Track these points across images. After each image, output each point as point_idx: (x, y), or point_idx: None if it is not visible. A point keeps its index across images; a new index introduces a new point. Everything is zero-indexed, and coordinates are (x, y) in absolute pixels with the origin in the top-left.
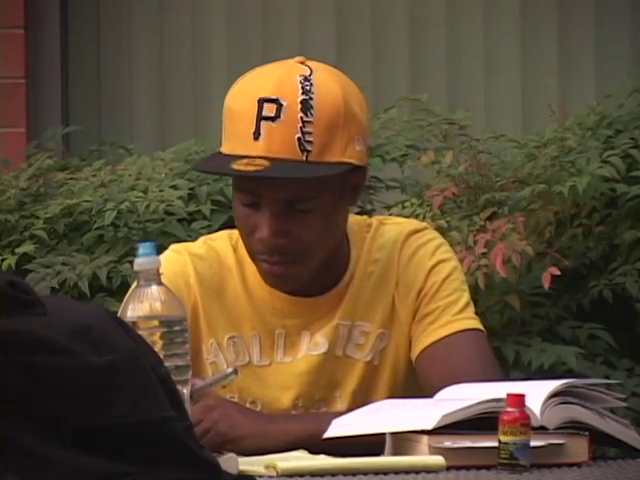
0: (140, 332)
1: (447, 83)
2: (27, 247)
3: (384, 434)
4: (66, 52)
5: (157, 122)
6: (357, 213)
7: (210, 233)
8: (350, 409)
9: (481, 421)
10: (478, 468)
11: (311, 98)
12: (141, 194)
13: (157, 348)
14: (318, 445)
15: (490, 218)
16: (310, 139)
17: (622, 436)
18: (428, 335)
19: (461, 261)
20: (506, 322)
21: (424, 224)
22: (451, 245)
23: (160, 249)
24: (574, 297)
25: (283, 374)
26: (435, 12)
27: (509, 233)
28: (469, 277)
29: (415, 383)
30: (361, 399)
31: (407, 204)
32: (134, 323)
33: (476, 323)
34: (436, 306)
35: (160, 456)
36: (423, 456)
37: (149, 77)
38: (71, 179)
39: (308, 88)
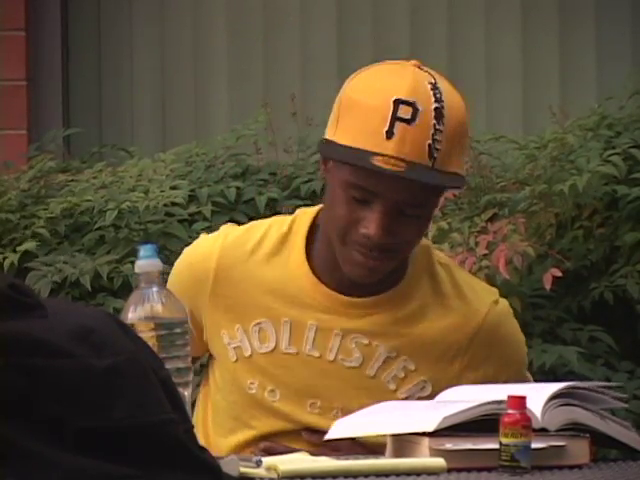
0: (141, 334)
1: None
2: (29, 245)
3: (385, 436)
4: (67, 54)
5: (158, 124)
6: None
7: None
8: None
9: (482, 423)
10: (479, 470)
11: (443, 107)
12: (142, 195)
13: (158, 350)
14: None
15: (491, 219)
16: (438, 147)
17: (623, 438)
18: None
19: (462, 262)
20: None
21: (492, 287)
22: (452, 246)
23: (161, 250)
24: (575, 299)
25: (310, 368)
26: (436, 14)
27: (510, 234)
28: None
29: None
30: None
31: None
32: (135, 325)
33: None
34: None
35: (161, 458)
36: (424, 458)
37: (150, 79)
38: (72, 181)
39: (439, 96)
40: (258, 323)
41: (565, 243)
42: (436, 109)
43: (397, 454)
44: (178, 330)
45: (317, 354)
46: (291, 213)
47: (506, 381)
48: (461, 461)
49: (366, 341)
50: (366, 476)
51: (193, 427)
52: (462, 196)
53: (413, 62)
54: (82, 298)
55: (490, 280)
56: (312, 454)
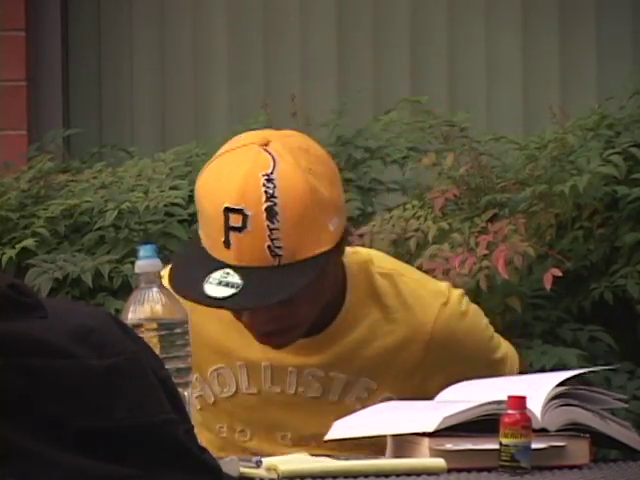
0: (141, 334)
1: (448, 85)
2: (28, 242)
3: (385, 436)
4: (67, 54)
5: (158, 124)
6: (358, 215)
7: None
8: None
9: (482, 423)
10: (479, 470)
11: (275, 204)
12: (142, 194)
13: (158, 350)
14: None
15: (491, 220)
16: (280, 244)
17: (623, 438)
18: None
19: (463, 262)
20: (507, 324)
21: (443, 285)
22: (452, 246)
23: (161, 250)
24: (575, 299)
25: (274, 404)
26: (436, 14)
27: (511, 234)
28: (471, 279)
29: None
30: (359, 449)
31: (408, 206)
32: (135, 325)
33: (509, 358)
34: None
35: (161, 458)
36: (424, 458)
37: (150, 79)
38: (72, 181)
39: (271, 192)
40: (216, 369)
41: (565, 243)
42: (267, 209)
43: (397, 454)
44: (178, 330)
45: (278, 390)
46: None
47: (474, 374)
48: (461, 461)
49: (322, 373)
50: (366, 476)
51: (193, 427)
52: (462, 196)
53: (260, 139)
54: (82, 297)
55: (490, 280)
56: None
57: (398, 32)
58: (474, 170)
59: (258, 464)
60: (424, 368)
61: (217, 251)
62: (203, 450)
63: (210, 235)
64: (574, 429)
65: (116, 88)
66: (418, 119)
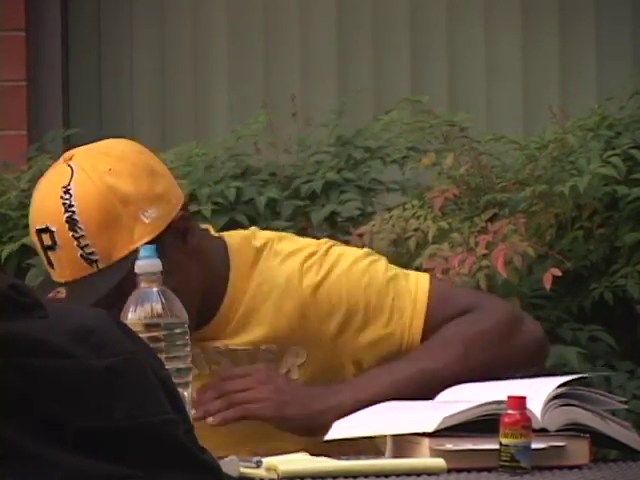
0: (141, 335)
1: (448, 85)
2: (29, 239)
3: (385, 436)
4: (67, 54)
5: (158, 124)
6: (358, 215)
7: None
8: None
9: (482, 423)
10: (479, 470)
11: (74, 212)
12: None
13: (158, 351)
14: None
15: (491, 219)
16: (91, 250)
17: (623, 438)
18: (414, 322)
19: (462, 262)
20: None
21: (319, 241)
22: (452, 246)
23: None
24: (575, 299)
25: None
26: (436, 14)
27: (510, 234)
28: (470, 279)
29: None
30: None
31: (408, 206)
32: (135, 325)
33: (414, 274)
34: (389, 305)
35: (161, 458)
36: (424, 458)
37: (150, 79)
38: None
39: (69, 202)
40: None
41: (565, 243)
42: (67, 220)
43: (397, 454)
44: (178, 330)
45: (196, 371)
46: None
47: (370, 304)
48: (461, 461)
49: (223, 347)
50: (366, 476)
51: (193, 427)
52: (462, 196)
53: (66, 155)
54: None
55: (490, 280)
56: (312, 454)
57: (398, 32)
58: (474, 170)
59: (258, 464)
60: (313, 308)
61: (50, 272)
62: (203, 450)
63: (42, 259)
64: (574, 429)
65: (116, 88)
66: (418, 119)
